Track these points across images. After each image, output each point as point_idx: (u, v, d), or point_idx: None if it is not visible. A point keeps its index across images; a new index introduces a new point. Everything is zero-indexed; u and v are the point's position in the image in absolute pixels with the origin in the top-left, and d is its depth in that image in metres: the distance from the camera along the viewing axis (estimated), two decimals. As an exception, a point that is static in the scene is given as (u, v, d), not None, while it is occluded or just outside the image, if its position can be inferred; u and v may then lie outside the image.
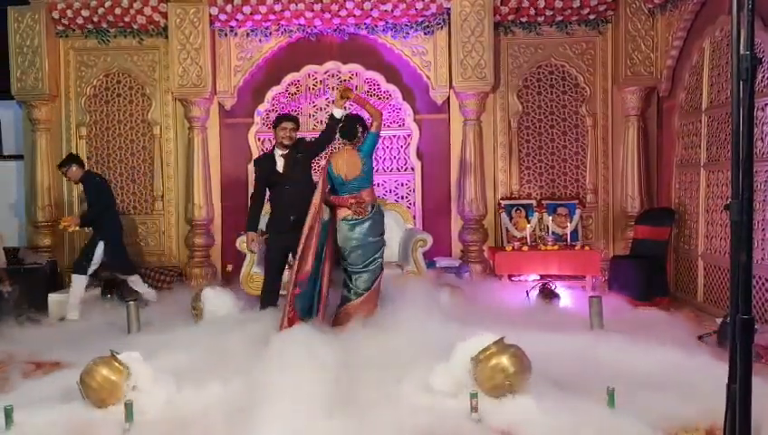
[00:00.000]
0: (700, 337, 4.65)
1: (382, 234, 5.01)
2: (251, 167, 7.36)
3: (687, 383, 3.44)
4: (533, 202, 7.17)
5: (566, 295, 6.16)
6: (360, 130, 5.00)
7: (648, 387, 3.46)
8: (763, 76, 5.12)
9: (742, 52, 1.80)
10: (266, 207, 5.47)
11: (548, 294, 6.01)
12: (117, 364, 3.46)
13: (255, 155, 7.34)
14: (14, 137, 7.62)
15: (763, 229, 5.08)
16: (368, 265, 4.89)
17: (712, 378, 2.95)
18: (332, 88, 7.32)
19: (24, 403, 3.39)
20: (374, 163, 5.67)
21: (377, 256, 4.93)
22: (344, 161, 4.92)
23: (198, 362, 4.03)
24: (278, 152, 5.30)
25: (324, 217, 4.91)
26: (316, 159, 5.82)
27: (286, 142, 5.24)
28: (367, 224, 4.88)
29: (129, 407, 3.28)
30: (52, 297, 6.12)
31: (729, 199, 1.87)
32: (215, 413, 3.32)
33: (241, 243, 6.34)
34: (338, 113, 5.13)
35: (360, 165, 4.89)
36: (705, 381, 3.24)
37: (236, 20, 6.97)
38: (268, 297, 5.23)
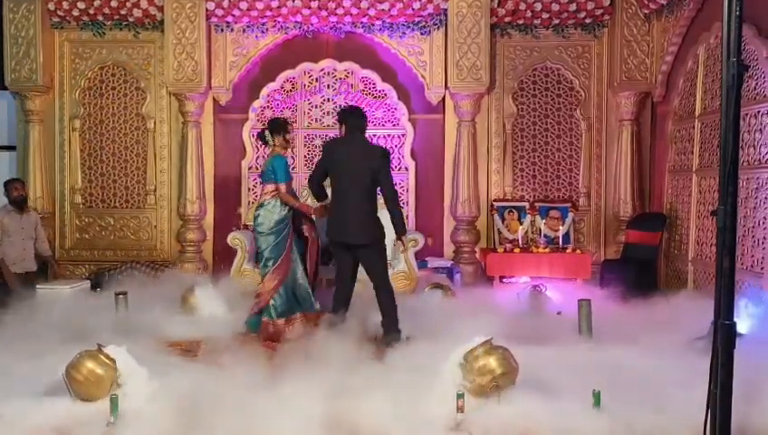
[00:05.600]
0: (697, 339, 4.55)
1: None
2: (245, 163, 7.37)
3: (672, 386, 3.45)
4: (526, 204, 7.17)
5: (556, 298, 6.15)
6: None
7: (633, 390, 3.47)
8: (758, 83, 5.14)
9: (732, 58, 1.80)
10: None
11: (538, 297, 6.01)
12: (103, 358, 3.44)
13: (249, 152, 7.34)
14: (6, 128, 7.59)
15: (753, 236, 5.11)
16: None
17: (696, 381, 2.96)
18: (328, 86, 7.32)
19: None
20: None
21: None
22: None
23: None
24: None
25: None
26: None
27: None
28: None
29: (114, 400, 3.27)
30: (41, 290, 6.08)
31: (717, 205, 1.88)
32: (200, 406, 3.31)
33: (232, 239, 6.34)
34: None
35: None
36: (689, 383, 3.25)
37: (233, 15, 6.95)
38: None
